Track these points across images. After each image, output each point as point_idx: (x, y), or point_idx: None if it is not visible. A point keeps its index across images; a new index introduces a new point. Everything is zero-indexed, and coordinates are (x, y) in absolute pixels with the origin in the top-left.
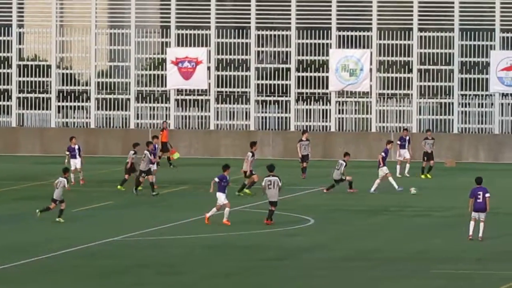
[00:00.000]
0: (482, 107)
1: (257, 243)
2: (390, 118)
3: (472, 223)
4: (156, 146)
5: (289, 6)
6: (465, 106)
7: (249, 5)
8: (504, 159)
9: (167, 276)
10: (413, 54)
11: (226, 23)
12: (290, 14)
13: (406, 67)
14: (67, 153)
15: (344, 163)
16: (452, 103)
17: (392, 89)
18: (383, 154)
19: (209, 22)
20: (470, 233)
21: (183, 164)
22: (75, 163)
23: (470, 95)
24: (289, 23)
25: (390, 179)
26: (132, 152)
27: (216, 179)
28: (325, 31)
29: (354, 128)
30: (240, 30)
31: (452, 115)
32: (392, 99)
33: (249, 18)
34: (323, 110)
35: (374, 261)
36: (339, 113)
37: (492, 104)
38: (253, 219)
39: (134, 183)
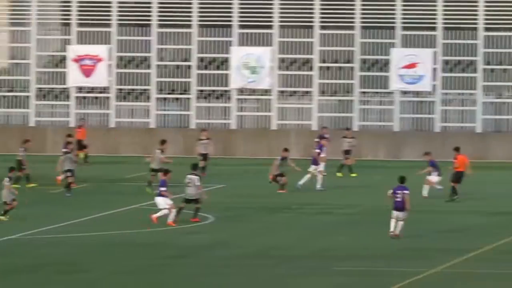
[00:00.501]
0: (382, 104)
1: (157, 241)
2: (290, 116)
3: (393, 221)
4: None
5: (191, 3)
6: (366, 104)
7: (151, 3)
8: (404, 156)
9: (67, 274)
10: (315, 52)
11: (128, 20)
12: (191, 12)
13: (307, 64)
14: None
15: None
16: (353, 101)
17: (293, 86)
18: (318, 150)
19: (110, 20)
20: (392, 229)
21: (82, 162)
22: None
23: (370, 92)
24: (191, 20)
25: (319, 177)
26: (21, 148)
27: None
28: (227, 29)
29: (254, 126)
30: (142, 28)
31: (353, 112)
32: (293, 96)
33: (151, 16)
34: (224, 107)
35: (275, 259)
36: (239, 110)
37: (392, 101)
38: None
39: (64, 185)
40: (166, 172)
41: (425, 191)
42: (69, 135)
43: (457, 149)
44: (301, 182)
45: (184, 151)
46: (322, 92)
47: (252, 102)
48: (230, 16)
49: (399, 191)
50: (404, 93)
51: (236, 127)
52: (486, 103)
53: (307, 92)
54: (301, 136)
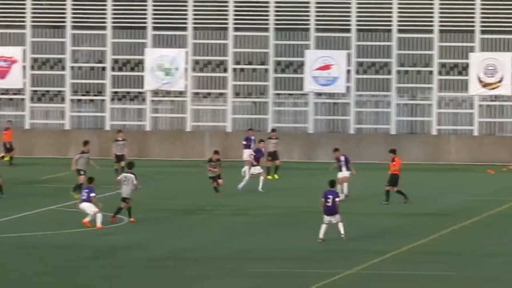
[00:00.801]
0: (296, 106)
1: (73, 242)
2: (205, 117)
3: (324, 226)
4: None
5: (105, 5)
6: (280, 106)
7: (65, 4)
8: (318, 158)
9: None
10: (229, 53)
11: (43, 21)
12: (106, 13)
13: (222, 66)
14: None
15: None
16: (267, 102)
17: (207, 88)
18: (254, 153)
19: (24, 21)
20: (321, 236)
21: (8, 164)
22: None
23: (285, 94)
24: (105, 22)
25: (261, 178)
26: None
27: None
28: (141, 31)
29: (169, 127)
30: (56, 29)
31: (267, 114)
32: (207, 98)
33: (65, 17)
34: (138, 109)
35: (190, 260)
36: (154, 112)
37: (306, 103)
38: (68, 218)
39: None
40: (90, 179)
41: (345, 190)
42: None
43: (393, 151)
44: (241, 185)
45: (99, 152)
46: (237, 94)
47: (167, 103)
48: (144, 18)
49: (330, 196)
50: (319, 94)
51: (150, 129)
52: (400, 105)
53: (221, 93)
54: (215, 138)
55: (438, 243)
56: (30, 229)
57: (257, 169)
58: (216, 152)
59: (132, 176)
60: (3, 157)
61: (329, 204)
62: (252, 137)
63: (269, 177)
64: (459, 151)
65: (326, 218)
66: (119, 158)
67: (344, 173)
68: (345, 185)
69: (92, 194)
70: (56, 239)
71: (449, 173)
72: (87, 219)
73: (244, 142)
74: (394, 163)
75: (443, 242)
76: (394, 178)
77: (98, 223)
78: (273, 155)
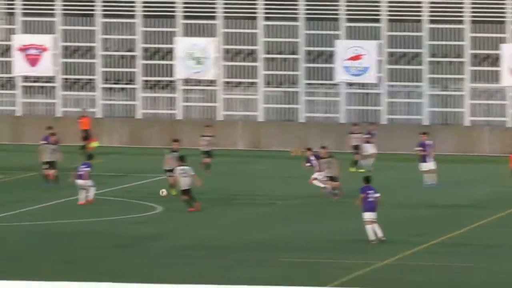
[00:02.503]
0: (327, 96)
1: (105, 230)
2: (236, 107)
3: (370, 227)
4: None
5: None
6: (311, 95)
7: None
8: (349, 148)
9: (15, 262)
10: (259, 43)
11: (72, 10)
12: (135, 2)
13: (252, 55)
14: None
15: None
16: (298, 92)
17: (238, 77)
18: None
19: (54, 9)
20: (372, 237)
21: (31, 151)
22: None
23: (316, 84)
24: (135, 10)
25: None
26: None
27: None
28: (171, 19)
29: (200, 116)
30: (86, 18)
31: (299, 104)
32: (238, 87)
33: (95, 5)
34: (169, 98)
35: (219, 250)
36: (185, 101)
37: (338, 93)
38: (102, 206)
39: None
40: (90, 156)
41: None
42: (50, 127)
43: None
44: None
45: (130, 141)
46: (268, 83)
47: (198, 92)
48: (174, 7)
49: (370, 192)
50: (350, 85)
51: (182, 118)
52: (432, 96)
53: (252, 83)
54: (247, 127)
55: (472, 235)
56: (61, 217)
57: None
58: (323, 147)
59: (189, 167)
60: (84, 146)
61: (371, 199)
62: (373, 132)
63: (352, 169)
64: (492, 142)
65: (367, 215)
66: (207, 154)
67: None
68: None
69: (87, 169)
70: (86, 226)
71: (482, 164)
72: (81, 199)
73: (368, 136)
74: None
75: (476, 234)
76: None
77: (91, 196)
78: (356, 149)
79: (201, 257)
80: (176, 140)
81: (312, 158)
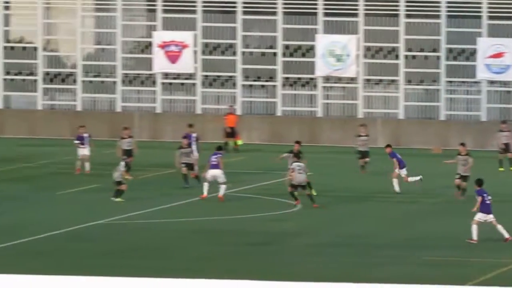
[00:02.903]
0: (469, 94)
1: (244, 228)
2: (376, 104)
3: (476, 227)
4: (192, 135)
5: None
6: (452, 93)
7: None
8: (490, 146)
9: (151, 259)
10: (400, 40)
11: (213, 7)
12: None
13: (393, 53)
14: (76, 142)
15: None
16: (439, 90)
17: (378, 75)
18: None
19: (195, 6)
20: (475, 237)
21: (169, 148)
22: (83, 152)
23: (457, 82)
24: (276, 7)
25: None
26: (129, 139)
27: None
28: (312, 17)
29: (340, 114)
30: (227, 15)
31: (439, 101)
32: (379, 85)
33: (236, 2)
34: (309, 95)
35: (361, 247)
36: (325, 98)
37: (479, 91)
38: (240, 204)
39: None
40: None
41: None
42: (190, 125)
43: None
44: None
45: (269, 138)
46: (408, 81)
47: (338, 90)
48: (315, 4)
49: (485, 194)
50: (491, 82)
51: (322, 115)
52: None
53: (393, 80)
54: (387, 125)
55: None
56: (202, 214)
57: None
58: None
59: (303, 165)
60: (227, 143)
61: (487, 201)
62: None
63: (501, 169)
64: None
65: (481, 216)
66: (363, 154)
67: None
68: None
69: (219, 155)
70: (227, 224)
71: None
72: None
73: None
74: None
75: None
76: None
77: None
78: (506, 147)
79: (342, 255)
80: (298, 142)
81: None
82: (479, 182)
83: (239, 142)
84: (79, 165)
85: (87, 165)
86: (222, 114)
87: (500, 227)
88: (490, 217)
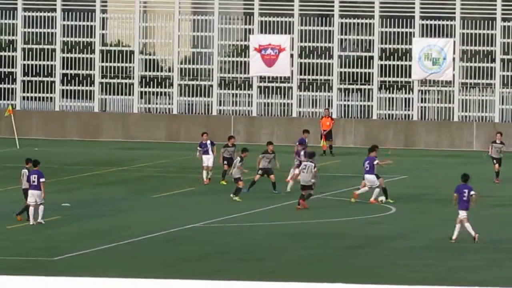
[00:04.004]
0: None
1: (337, 231)
2: (472, 108)
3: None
4: (305, 140)
5: None
6: None
7: None
8: None
9: (247, 262)
10: (496, 43)
11: (310, 10)
12: (373, 2)
13: (489, 56)
14: (199, 148)
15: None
16: None
17: (474, 78)
18: None
19: (292, 10)
20: (454, 236)
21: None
22: (208, 160)
23: None
24: (373, 11)
25: None
26: (231, 148)
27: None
28: (408, 20)
29: (436, 117)
30: (323, 18)
31: None
32: (475, 88)
33: (333, 6)
34: (405, 98)
35: (453, 251)
36: (421, 101)
37: None
38: (334, 206)
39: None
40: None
41: None
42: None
43: None
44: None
45: (365, 141)
46: (504, 84)
47: (434, 93)
48: (412, 7)
49: (465, 190)
50: None
51: (417, 119)
52: None
53: (489, 84)
54: (482, 128)
55: None
56: (294, 217)
57: None
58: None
59: (311, 164)
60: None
61: (465, 198)
62: None
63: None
64: None
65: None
66: (498, 160)
67: None
68: None
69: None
70: (320, 227)
71: None
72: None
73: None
74: None
75: None
76: None
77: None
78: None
79: (434, 258)
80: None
81: None
82: (464, 178)
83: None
84: (205, 175)
85: (207, 174)
86: (318, 117)
87: (468, 225)
88: (463, 214)
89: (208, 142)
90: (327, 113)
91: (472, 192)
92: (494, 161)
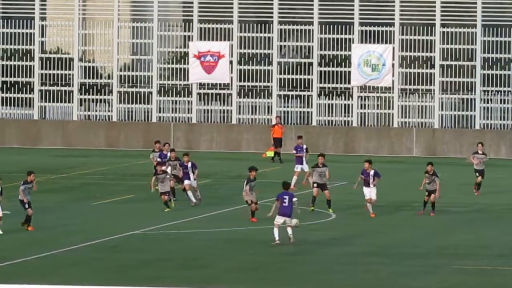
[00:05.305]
0: (504, 103)
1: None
2: (412, 114)
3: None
4: (303, 146)
5: (312, 1)
6: (487, 102)
7: (272, 0)
8: None
9: (188, 270)
10: (436, 49)
11: (249, 17)
12: (312, 9)
13: (429, 62)
14: (179, 167)
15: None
16: (474, 99)
17: (414, 84)
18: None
19: (231, 16)
20: (277, 238)
21: (204, 158)
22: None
23: (492, 91)
24: (312, 17)
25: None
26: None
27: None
28: (348, 26)
29: (376, 123)
30: (263, 25)
31: (474, 111)
32: (414, 94)
33: (272, 13)
34: (345, 105)
35: (393, 257)
36: (361, 108)
37: None
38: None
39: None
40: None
41: None
42: (299, 137)
43: None
44: None
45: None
46: (444, 90)
47: (374, 99)
48: (351, 13)
49: (286, 196)
50: None
51: (357, 125)
52: None
53: (428, 90)
54: (422, 134)
55: None
56: (235, 224)
57: None
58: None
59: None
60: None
61: (286, 204)
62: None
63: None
64: None
65: (280, 219)
66: (479, 172)
67: None
68: None
69: None
70: (260, 233)
71: None
72: None
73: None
74: None
75: None
76: None
77: None
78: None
79: (374, 264)
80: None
81: None
82: (284, 185)
83: (270, 154)
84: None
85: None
86: (258, 124)
87: (289, 229)
88: (287, 220)
89: (189, 164)
90: (279, 121)
91: (294, 199)
92: (477, 173)
